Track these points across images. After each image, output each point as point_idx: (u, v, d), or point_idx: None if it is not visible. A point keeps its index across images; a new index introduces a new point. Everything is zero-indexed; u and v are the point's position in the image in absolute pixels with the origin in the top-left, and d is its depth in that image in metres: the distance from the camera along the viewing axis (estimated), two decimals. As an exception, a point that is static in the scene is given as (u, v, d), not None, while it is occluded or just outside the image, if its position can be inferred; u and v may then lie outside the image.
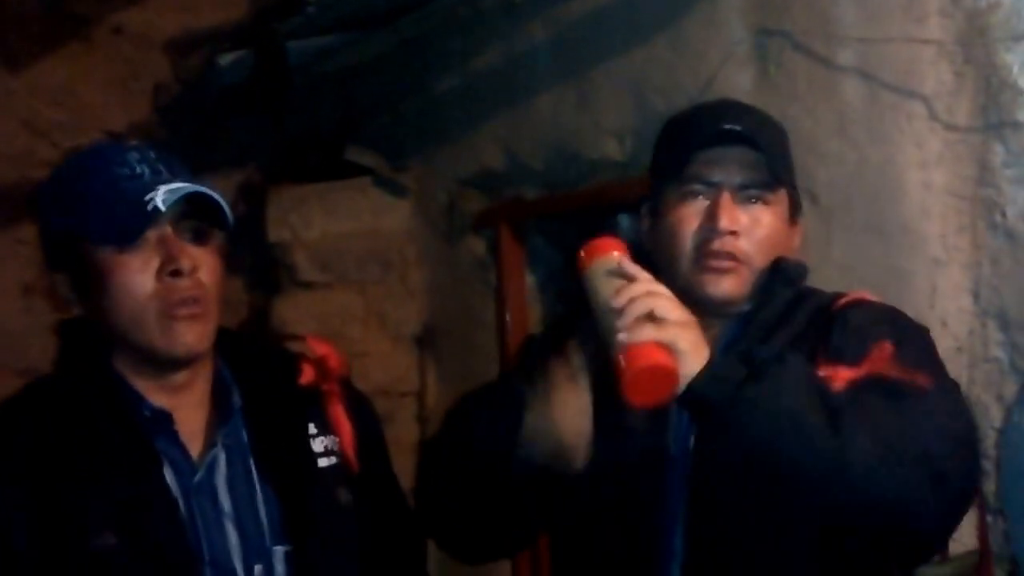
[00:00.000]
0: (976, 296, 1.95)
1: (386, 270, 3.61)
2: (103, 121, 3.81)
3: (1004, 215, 1.89)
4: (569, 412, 1.35)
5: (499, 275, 3.25)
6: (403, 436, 3.37)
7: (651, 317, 1.24)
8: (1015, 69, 1.88)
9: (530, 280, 3.29)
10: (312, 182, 3.68)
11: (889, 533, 1.24)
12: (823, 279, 1.59)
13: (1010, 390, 1.85)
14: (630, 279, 1.29)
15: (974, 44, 1.94)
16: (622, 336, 1.24)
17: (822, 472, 1.21)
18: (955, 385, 1.36)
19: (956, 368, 1.86)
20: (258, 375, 1.53)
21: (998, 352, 1.92)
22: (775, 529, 1.33)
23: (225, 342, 1.51)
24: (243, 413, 1.50)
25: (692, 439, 1.39)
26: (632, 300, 1.26)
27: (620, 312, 1.25)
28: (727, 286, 1.42)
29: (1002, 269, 1.91)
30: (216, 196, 1.42)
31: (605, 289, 1.30)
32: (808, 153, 2.14)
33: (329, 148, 3.72)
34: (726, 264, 1.42)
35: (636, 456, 1.41)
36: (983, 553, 1.48)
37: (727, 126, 1.43)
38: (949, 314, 1.97)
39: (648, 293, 1.26)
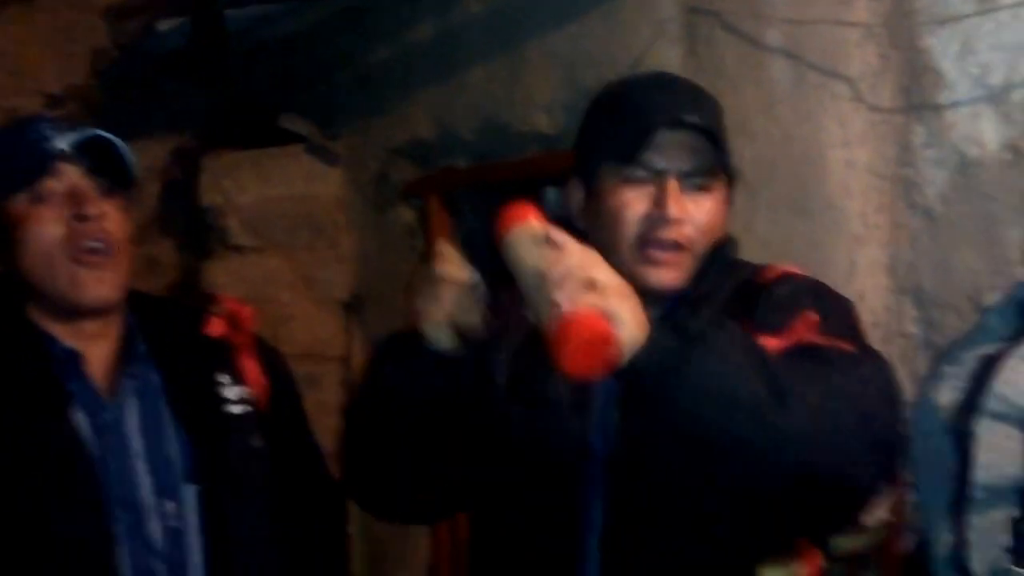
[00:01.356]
0: (893, 273, 1.91)
1: (316, 236, 3.53)
2: (40, 83, 3.74)
3: (923, 195, 1.85)
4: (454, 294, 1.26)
5: (427, 243, 3.17)
6: (329, 400, 3.29)
7: (589, 285, 1.14)
8: (937, 52, 1.83)
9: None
10: (246, 148, 3.59)
11: (825, 496, 1.18)
12: (746, 254, 1.52)
13: (924, 366, 1.81)
14: (560, 247, 1.18)
15: (899, 27, 1.89)
16: (559, 304, 1.14)
17: (765, 438, 1.14)
18: (879, 352, 1.31)
19: (872, 344, 1.82)
20: (167, 326, 1.53)
21: (913, 328, 1.88)
22: (698, 502, 1.27)
23: (135, 299, 1.53)
24: (154, 360, 1.50)
25: (617, 411, 1.31)
26: (569, 267, 1.15)
27: (556, 280, 1.15)
28: (668, 277, 1.33)
29: (919, 247, 1.87)
30: (118, 143, 1.43)
31: (534, 257, 1.19)
32: (734, 130, 2.06)
33: (264, 115, 3.62)
34: (671, 256, 1.32)
35: (558, 429, 1.32)
36: (895, 524, 1.44)
37: (684, 117, 1.32)
38: (866, 290, 1.93)
39: (585, 261, 1.17)
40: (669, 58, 2.30)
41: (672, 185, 1.31)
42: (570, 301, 1.13)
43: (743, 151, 2.11)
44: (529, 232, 1.21)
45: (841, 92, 1.97)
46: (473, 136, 2.98)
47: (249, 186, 3.52)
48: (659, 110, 1.32)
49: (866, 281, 1.93)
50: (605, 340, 1.12)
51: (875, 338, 1.87)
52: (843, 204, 1.97)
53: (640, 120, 1.32)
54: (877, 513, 1.53)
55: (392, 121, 3.25)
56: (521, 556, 1.35)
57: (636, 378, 1.16)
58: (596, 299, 1.13)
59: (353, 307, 3.53)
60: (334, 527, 1.67)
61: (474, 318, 1.27)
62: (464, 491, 1.40)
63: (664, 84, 1.42)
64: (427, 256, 1.30)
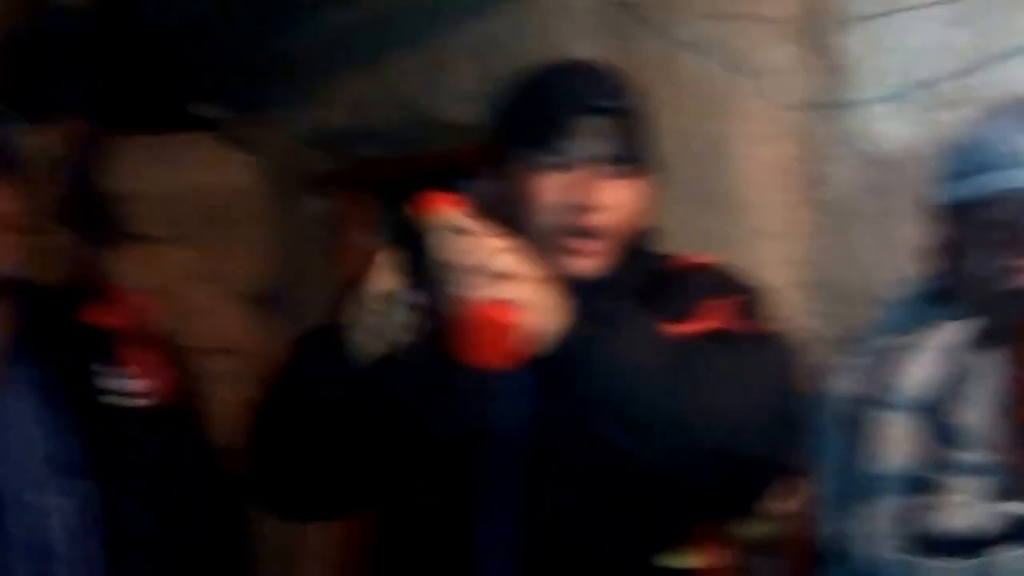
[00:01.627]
0: (799, 268, 1.94)
1: (226, 227, 3.42)
2: (-64, 60, 3.55)
3: (830, 191, 1.88)
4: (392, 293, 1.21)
5: (340, 236, 3.12)
6: (235, 395, 3.20)
7: (504, 274, 1.12)
8: (844, 52, 1.86)
9: (372, 242, 3.16)
10: (154, 134, 3.46)
11: (731, 478, 1.19)
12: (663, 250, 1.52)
13: (825, 359, 1.83)
14: (477, 235, 1.16)
15: (808, 25, 1.92)
16: (472, 293, 1.11)
17: (674, 423, 1.14)
18: (786, 338, 1.32)
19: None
20: (51, 315, 1.46)
21: (817, 323, 1.91)
22: (608, 490, 1.25)
23: (22, 287, 1.46)
24: (37, 350, 1.42)
25: (529, 399, 1.29)
26: (471, 253, 1.13)
27: (470, 268, 1.12)
28: (588, 265, 1.30)
29: (823, 243, 1.90)
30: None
31: (449, 245, 1.16)
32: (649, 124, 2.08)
33: (173, 100, 3.51)
34: (589, 244, 1.30)
35: (469, 418, 1.29)
36: (798, 513, 1.45)
37: (603, 103, 1.29)
38: (774, 286, 1.95)
39: (500, 249, 1.14)
40: (584, 50, 2.29)
41: (590, 172, 1.28)
42: (480, 291, 1.10)
43: (657, 146, 2.12)
44: (443, 221, 1.18)
45: (750, 88, 1.99)
46: (388, 126, 2.93)
47: (156, 174, 3.39)
48: (576, 96, 1.29)
49: (773, 276, 1.94)
50: (514, 331, 1.10)
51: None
52: (751, 200, 1.99)
53: (557, 106, 1.29)
54: (780, 501, 1.54)
55: (306, 109, 3.18)
56: (429, 548, 1.33)
57: (548, 367, 1.15)
58: (508, 289, 1.11)
59: (264, 301, 3.45)
60: (233, 526, 1.62)
61: (402, 329, 1.24)
62: (374, 488, 1.37)
63: (581, 69, 1.39)
64: (356, 264, 1.27)
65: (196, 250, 3.41)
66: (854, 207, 1.84)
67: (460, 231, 1.16)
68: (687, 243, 1.99)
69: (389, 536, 1.40)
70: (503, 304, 1.10)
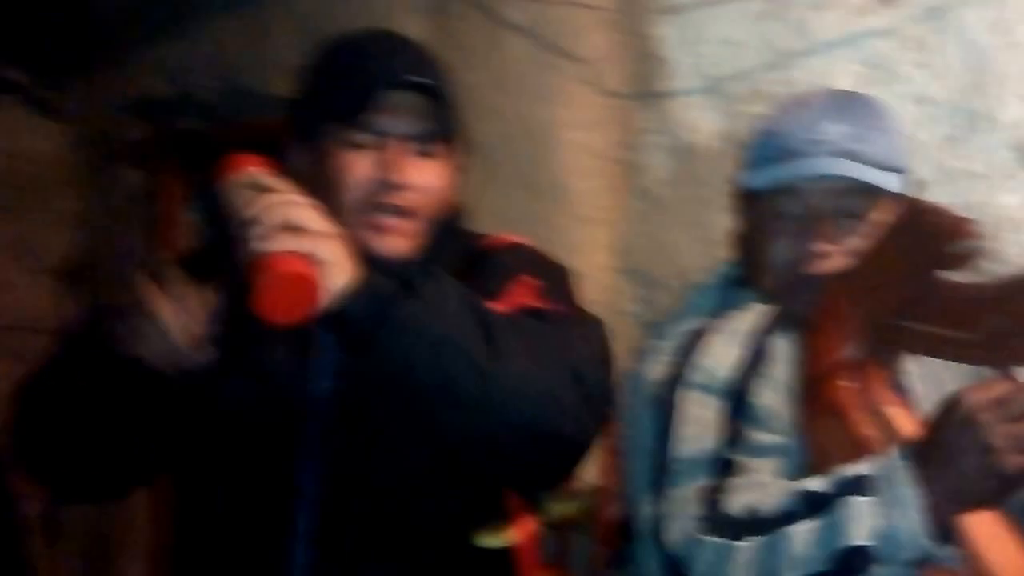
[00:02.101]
0: (616, 254, 1.96)
1: (31, 197, 3.21)
2: None
3: (644, 178, 1.91)
4: (175, 311, 1.17)
5: (157, 210, 2.97)
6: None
7: (290, 226, 1.08)
8: (664, 41, 1.89)
9: (191, 217, 3.02)
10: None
11: (539, 446, 1.16)
12: (479, 231, 1.50)
13: (641, 343, 1.87)
14: (268, 190, 1.11)
15: (630, 13, 1.94)
16: (256, 246, 1.06)
17: (479, 390, 1.11)
18: (595, 316, 1.32)
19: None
20: None
21: (631, 306, 1.94)
22: (415, 464, 1.22)
23: None
24: None
25: (335, 368, 1.25)
26: (268, 208, 1.08)
27: (254, 222, 1.08)
28: (395, 245, 1.26)
29: (640, 229, 1.93)
30: None
31: (240, 201, 1.12)
32: (470, 105, 2.06)
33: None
34: (396, 223, 1.26)
35: (274, 387, 1.24)
36: (603, 489, 1.47)
37: (411, 77, 1.25)
38: (591, 270, 1.96)
39: (286, 201, 1.09)
40: (411, 25, 2.25)
41: (398, 149, 1.25)
42: (271, 243, 1.06)
43: (479, 127, 2.10)
44: (242, 179, 1.14)
45: (574, 74, 2.00)
46: (210, 96, 2.82)
47: (-45, 139, 3.18)
48: (383, 69, 1.25)
49: (590, 260, 1.97)
50: (302, 282, 1.06)
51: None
52: (571, 185, 2.00)
53: (363, 79, 1.25)
54: (590, 480, 1.55)
55: (122, 75, 3.01)
56: (232, 523, 1.27)
57: (344, 325, 1.11)
58: (298, 241, 1.07)
59: (71, 276, 3.25)
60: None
61: (193, 336, 1.18)
62: (160, 465, 1.30)
63: (388, 43, 1.34)
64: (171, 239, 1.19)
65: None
66: (669, 195, 1.88)
67: (260, 188, 1.12)
68: (507, 225, 1.99)
69: (187, 513, 1.34)
70: (287, 257, 1.06)
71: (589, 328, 1.26)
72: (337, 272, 1.08)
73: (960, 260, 1.05)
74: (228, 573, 1.26)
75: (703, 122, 1.83)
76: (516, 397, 1.12)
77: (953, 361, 1.17)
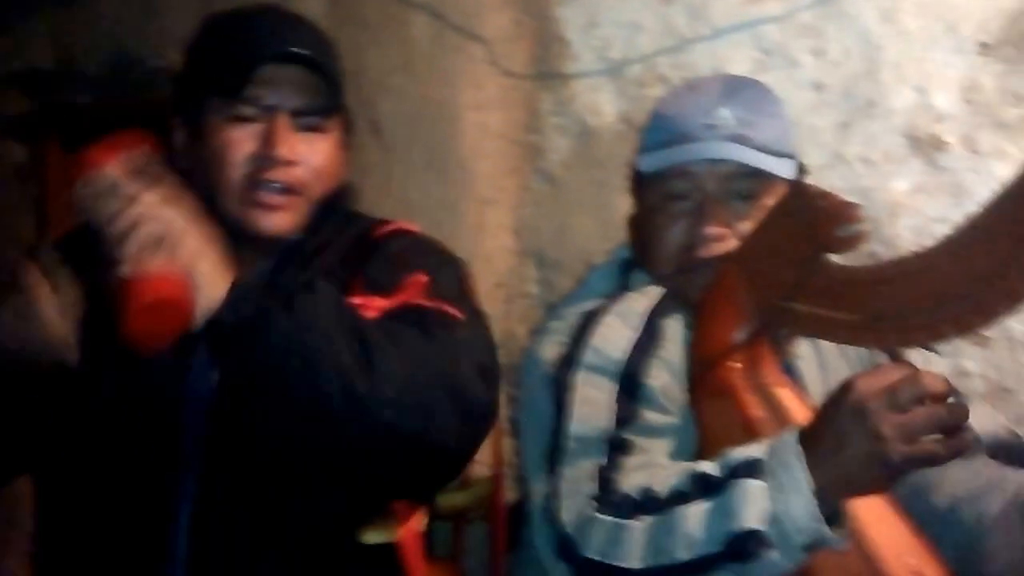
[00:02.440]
0: (517, 235, 1.96)
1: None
2: None
3: (546, 161, 1.91)
4: (46, 309, 1.13)
5: (42, 188, 2.86)
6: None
7: (160, 241, 1.03)
8: (565, 24, 1.89)
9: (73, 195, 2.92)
10: None
11: (415, 461, 1.15)
12: (382, 212, 1.47)
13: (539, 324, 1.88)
14: (136, 196, 1.05)
15: (532, -5, 1.94)
16: (122, 268, 1.02)
17: (351, 406, 1.08)
18: (483, 316, 1.29)
19: (495, 303, 1.85)
20: None
21: (533, 288, 1.94)
22: (295, 468, 1.19)
23: None
24: None
25: (213, 379, 1.20)
26: (138, 221, 1.03)
27: (124, 235, 1.02)
28: (279, 222, 1.24)
29: (542, 211, 1.93)
30: None
31: (106, 207, 1.05)
32: (373, 85, 2.04)
33: None
34: (279, 199, 1.23)
35: (148, 397, 1.20)
36: (496, 476, 1.47)
37: (293, 49, 1.22)
38: (493, 251, 1.96)
39: (157, 214, 1.04)
40: (315, 7, 2.21)
41: (282, 123, 1.22)
42: (137, 259, 1.02)
43: (380, 106, 2.08)
44: (102, 180, 1.07)
45: (477, 55, 1.99)
46: (99, 69, 2.73)
47: None
48: (266, 41, 1.22)
49: (493, 243, 1.97)
50: (175, 307, 1.02)
51: (499, 298, 1.92)
52: (475, 166, 1.99)
53: (246, 52, 1.22)
54: (481, 469, 1.55)
55: (4, 46, 2.89)
56: (107, 523, 1.22)
57: (217, 342, 1.07)
58: (167, 257, 1.02)
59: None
60: None
61: (61, 340, 1.13)
62: (27, 461, 1.25)
63: (273, 16, 1.30)
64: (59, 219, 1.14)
65: None
66: (570, 177, 1.88)
67: (126, 190, 1.05)
68: (417, 209, 1.98)
69: (53, 518, 1.29)
70: (154, 274, 1.02)
71: (474, 334, 1.22)
72: (209, 289, 1.05)
73: (845, 243, 1.07)
74: (103, 572, 1.22)
75: (604, 105, 1.84)
76: (390, 413, 1.09)
77: (840, 343, 1.20)
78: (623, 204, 1.76)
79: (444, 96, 2.04)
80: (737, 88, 1.30)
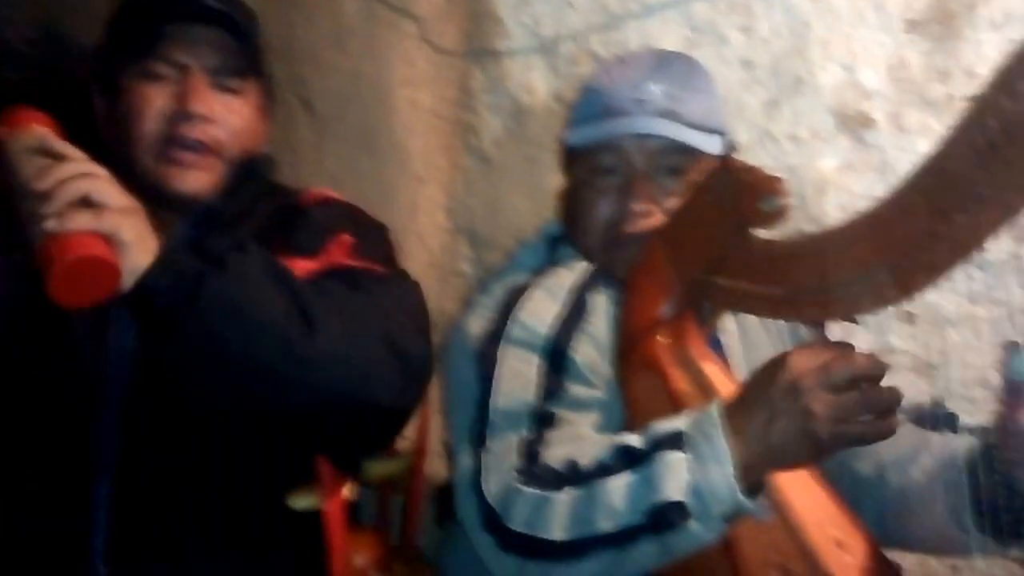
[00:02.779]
0: (450, 213, 1.95)
1: None
2: None
3: (479, 138, 1.90)
4: None
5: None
6: None
7: (85, 202, 1.01)
8: (497, 1, 1.88)
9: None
10: None
11: (356, 417, 1.15)
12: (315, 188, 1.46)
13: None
14: (59, 158, 1.04)
15: (464, -29, 1.92)
16: (49, 225, 0.99)
17: (292, 365, 1.08)
18: (409, 275, 1.31)
19: (428, 282, 1.84)
20: None
21: (466, 267, 1.94)
22: (224, 431, 1.19)
23: None
24: None
25: (135, 339, 1.19)
26: (62, 182, 1.01)
27: (46, 196, 1.00)
28: (194, 181, 1.24)
29: (474, 189, 1.92)
30: None
31: (28, 168, 1.03)
32: (305, 61, 2.01)
33: None
34: (194, 157, 1.23)
35: (69, 362, 1.19)
36: (421, 447, 1.47)
37: (207, 10, 1.24)
38: (426, 230, 1.95)
39: (82, 174, 1.03)
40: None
41: (197, 80, 1.24)
42: (60, 220, 0.99)
43: (312, 82, 2.05)
44: (27, 141, 1.06)
45: (409, 31, 1.97)
46: (27, 46, 2.67)
47: None
48: (179, 1, 1.24)
49: (426, 221, 1.96)
50: (101, 265, 1.00)
51: (432, 277, 1.91)
52: (407, 144, 1.98)
53: (158, 10, 1.24)
54: (408, 439, 1.55)
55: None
56: (28, 493, 1.20)
57: (146, 306, 1.05)
58: (91, 218, 1.00)
59: None
60: None
61: None
62: None
63: None
64: None
65: None
66: (503, 155, 1.88)
67: (47, 153, 1.05)
68: (349, 186, 1.96)
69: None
70: (78, 236, 1.00)
71: (404, 290, 1.25)
72: (138, 251, 1.03)
73: (768, 217, 1.08)
74: (24, 546, 1.20)
75: (536, 82, 1.83)
76: (331, 369, 1.10)
77: (762, 316, 1.21)
78: (555, 182, 1.76)
79: (376, 73, 2.02)
80: (667, 63, 1.30)
